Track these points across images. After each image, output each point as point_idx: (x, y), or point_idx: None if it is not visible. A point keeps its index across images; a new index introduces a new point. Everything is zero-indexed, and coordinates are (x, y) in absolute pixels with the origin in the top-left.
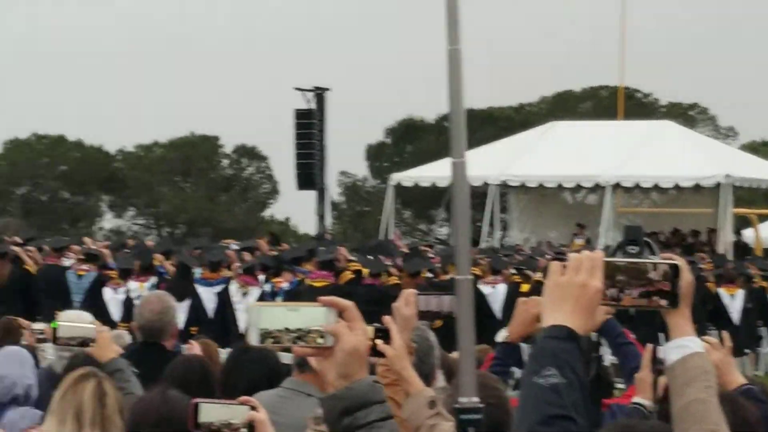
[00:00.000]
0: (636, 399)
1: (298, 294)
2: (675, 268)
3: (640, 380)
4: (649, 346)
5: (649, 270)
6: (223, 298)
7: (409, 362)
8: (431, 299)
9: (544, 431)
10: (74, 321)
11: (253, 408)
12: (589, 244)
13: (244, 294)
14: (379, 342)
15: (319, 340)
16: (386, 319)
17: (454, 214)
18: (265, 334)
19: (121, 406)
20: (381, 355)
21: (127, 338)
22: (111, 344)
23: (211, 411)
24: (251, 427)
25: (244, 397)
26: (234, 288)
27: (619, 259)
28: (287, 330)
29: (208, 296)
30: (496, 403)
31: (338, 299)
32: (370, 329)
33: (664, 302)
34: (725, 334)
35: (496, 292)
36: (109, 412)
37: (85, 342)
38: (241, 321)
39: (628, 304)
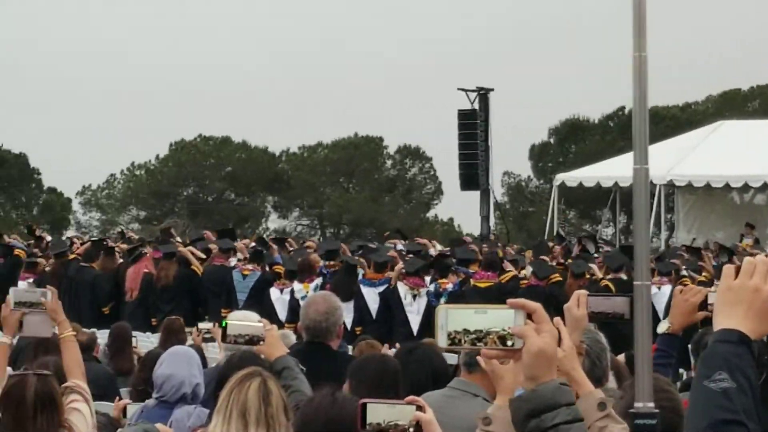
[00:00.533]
0: None
1: (463, 295)
2: None
3: None
4: None
5: None
6: (386, 298)
7: (579, 363)
8: (602, 301)
9: None
10: (242, 320)
11: (420, 408)
12: (758, 245)
13: (414, 296)
14: None
15: (508, 343)
16: (556, 320)
17: (634, 219)
18: (454, 336)
19: (287, 405)
20: None
21: (293, 338)
22: (279, 342)
23: (378, 411)
24: (418, 427)
25: (410, 397)
26: (403, 290)
27: None
28: (475, 332)
29: (372, 297)
30: (669, 407)
31: (526, 301)
32: None
33: None
34: None
35: (660, 294)
36: (274, 410)
37: (253, 340)
38: (413, 323)
39: None
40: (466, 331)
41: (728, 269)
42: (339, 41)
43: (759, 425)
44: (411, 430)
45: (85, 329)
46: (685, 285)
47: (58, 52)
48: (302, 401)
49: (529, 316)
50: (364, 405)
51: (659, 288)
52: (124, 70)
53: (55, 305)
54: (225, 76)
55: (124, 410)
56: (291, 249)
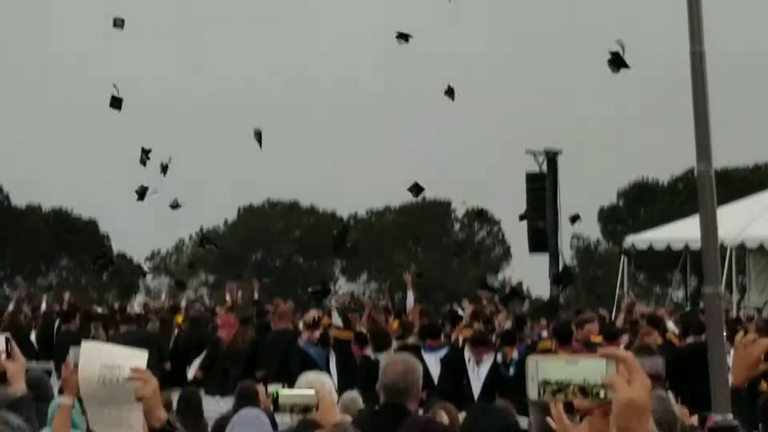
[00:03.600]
0: None
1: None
2: None
3: None
4: None
5: None
6: (448, 363)
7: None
8: (644, 361)
9: None
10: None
11: None
12: None
13: (478, 362)
14: None
15: (601, 395)
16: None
17: (701, 217)
18: (544, 387)
19: None
20: None
21: (360, 402)
22: (334, 408)
23: None
24: None
25: None
26: (467, 355)
27: None
28: (565, 383)
29: (433, 362)
30: None
31: (617, 350)
32: None
33: None
34: None
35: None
36: None
37: (307, 408)
38: (475, 389)
39: None
40: (547, 382)
41: None
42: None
43: None
44: None
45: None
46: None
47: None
48: None
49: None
50: None
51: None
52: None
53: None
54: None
55: None
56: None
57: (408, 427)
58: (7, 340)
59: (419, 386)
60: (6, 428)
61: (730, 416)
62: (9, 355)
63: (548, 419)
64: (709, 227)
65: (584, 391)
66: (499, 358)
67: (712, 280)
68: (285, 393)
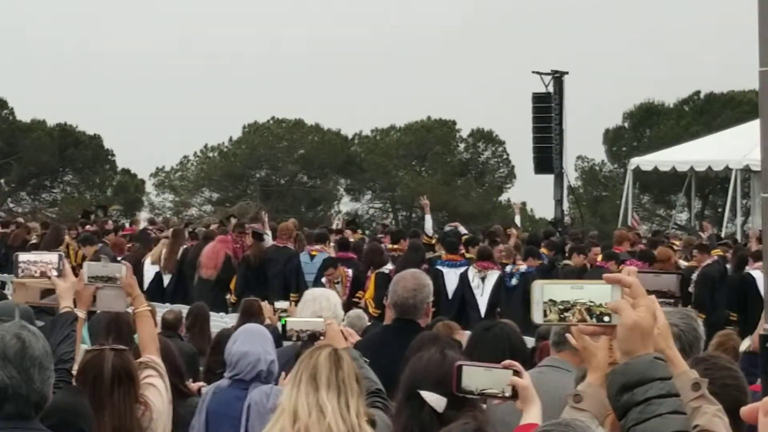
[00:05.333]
0: None
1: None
2: None
3: None
4: None
5: None
6: (464, 280)
7: (674, 342)
8: (652, 278)
9: None
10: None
11: (517, 373)
12: None
13: (483, 278)
14: None
15: (605, 318)
16: (651, 297)
17: (761, 131)
18: (546, 308)
19: (359, 374)
20: None
21: (366, 319)
22: (340, 336)
23: (473, 375)
24: (514, 392)
25: (508, 362)
26: (472, 273)
27: None
28: (570, 306)
29: (452, 278)
30: (733, 384)
31: (622, 276)
32: None
33: None
34: None
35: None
36: (345, 375)
37: (314, 336)
38: (481, 305)
39: None
40: (553, 302)
41: None
42: (412, 23)
43: None
44: (507, 394)
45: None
46: None
47: (129, 38)
48: (372, 388)
49: (625, 290)
50: (460, 367)
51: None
52: (198, 53)
53: (130, 280)
54: (298, 58)
55: (198, 391)
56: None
57: (418, 341)
58: (60, 258)
59: (429, 302)
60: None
61: None
62: (60, 273)
63: (567, 335)
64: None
65: (590, 312)
66: (508, 269)
67: None
68: (293, 320)
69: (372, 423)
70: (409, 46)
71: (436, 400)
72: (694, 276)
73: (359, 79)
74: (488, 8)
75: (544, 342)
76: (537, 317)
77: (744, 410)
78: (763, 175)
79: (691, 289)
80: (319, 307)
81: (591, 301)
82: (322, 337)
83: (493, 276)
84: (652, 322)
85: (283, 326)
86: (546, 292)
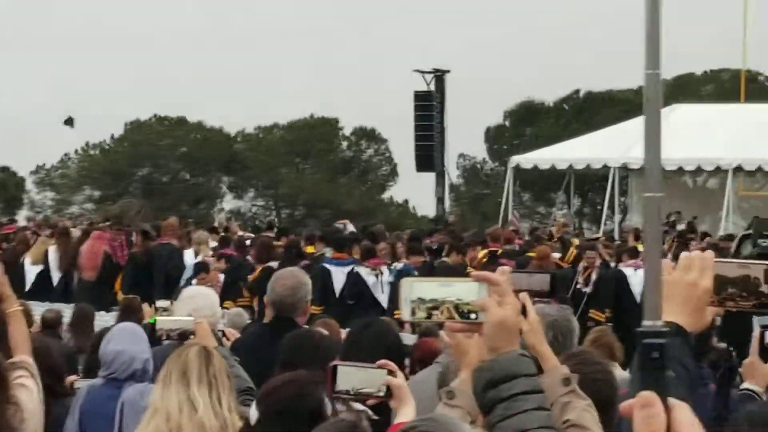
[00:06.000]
0: (746, 385)
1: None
2: None
3: (749, 365)
4: (757, 332)
5: (761, 284)
6: (357, 280)
7: (545, 338)
8: (524, 277)
9: None
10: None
11: (391, 372)
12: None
13: (377, 275)
14: None
15: (471, 316)
16: (522, 295)
17: (646, 129)
18: (415, 306)
19: (229, 371)
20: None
21: (246, 317)
22: (210, 335)
23: (348, 375)
24: (389, 392)
25: (382, 361)
26: (364, 271)
27: (730, 261)
28: (438, 304)
29: (339, 277)
30: (603, 379)
31: (489, 274)
32: None
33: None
34: None
35: (637, 276)
36: (216, 370)
37: (184, 334)
38: (383, 301)
39: (759, 306)
40: (422, 300)
41: (666, 264)
42: (295, 20)
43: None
44: (381, 394)
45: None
46: None
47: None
48: (242, 386)
49: (492, 288)
50: (335, 368)
51: (635, 270)
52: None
53: (2, 279)
54: (181, 56)
55: (71, 386)
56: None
57: (290, 339)
58: None
59: (307, 300)
60: None
61: (660, 322)
62: None
63: (441, 333)
64: (653, 138)
65: (457, 309)
66: (401, 265)
67: (654, 187)
68: (163, 319)
69: (244, 420)
70: (291, 44)
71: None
72: (594, 275)
73: (241, 77)
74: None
75: (423, 339)
76: (405, 314)
77: (623, 405)
78: (646, 176)
79: (588, 289)
80: (196, 306)
81: (459, 299)
82: (192, 336)
83: (386, 271)
84: (517, 320)
85: (153, 325)
86: (414, 289)
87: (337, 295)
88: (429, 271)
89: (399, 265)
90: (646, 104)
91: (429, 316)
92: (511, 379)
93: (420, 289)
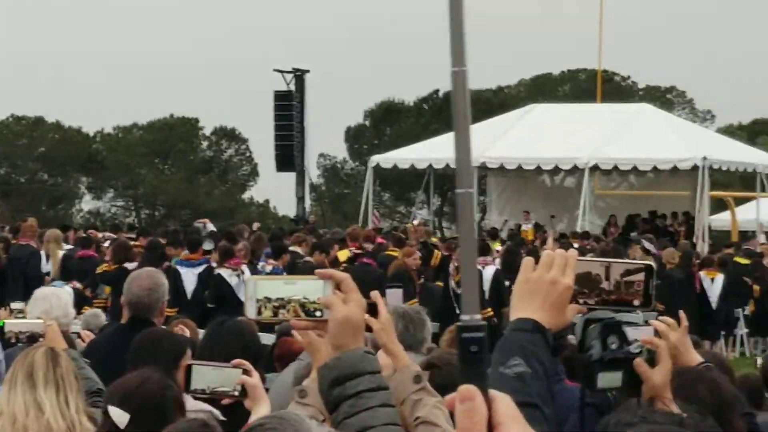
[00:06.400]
0: None
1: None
2: (650, 269)
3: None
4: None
5: (602, 281)
6: (206, 281)
7: (396, 336)
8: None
9: None
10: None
11: (246, 371)
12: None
13: (238, 275)
14: (366, 316)
15: (317, 313)
16: (374, 293)
17: (457, 174)
18: (261, 305)
19: (77, 373)
20: (369, 329)
21: (102, 318)
22: (59, 337)
23: (203, 374)
24: (243, 391)
25: (238, 360)
26: (226, 273)
27: (592, 259)
28: (283, 302)
29: (190, 278)
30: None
31: (334, 271)
32: None
33: (637, 302)
34: (682, 314)
35: (485, 273)
36: (63, 371)
37: (34, 337)
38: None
39: (600, 303)
40: (268, 299)
41: (527, 261)
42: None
43: (553, 410)
44: (236, 393)
45: None
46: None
47: None
48: (92, 387)
49: (337, 286)
50: (190, 367)
51: (483, 268)
52: None
53: None
54: (36, 56)
55: None
56: None
57: (137, 339)
58: None
59: (164, 301)
60: None
61: (478, 316)
62: None
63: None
64: (462, 126)
65: (303, 308)
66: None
67: (465, 183)
68: (11, 322)
69: (93, 421)
70: (152, 44)
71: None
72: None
73: (101, 77)
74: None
75: (284, 338)
76: (251, 313)
77: (446, 398)
78: (458, 172)
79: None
80: (49, 306)
81: (305, 297)
82: (41, 339)
83: (247, 270)
84: (362, 317)
85: (1, 328)
86: (259, 288)
87: (189, 296)
88: (291, 270)
89: (268, 268)
90: (453, 101)
91: (275, 315)
92: (356, 376)
93: (265, 287)
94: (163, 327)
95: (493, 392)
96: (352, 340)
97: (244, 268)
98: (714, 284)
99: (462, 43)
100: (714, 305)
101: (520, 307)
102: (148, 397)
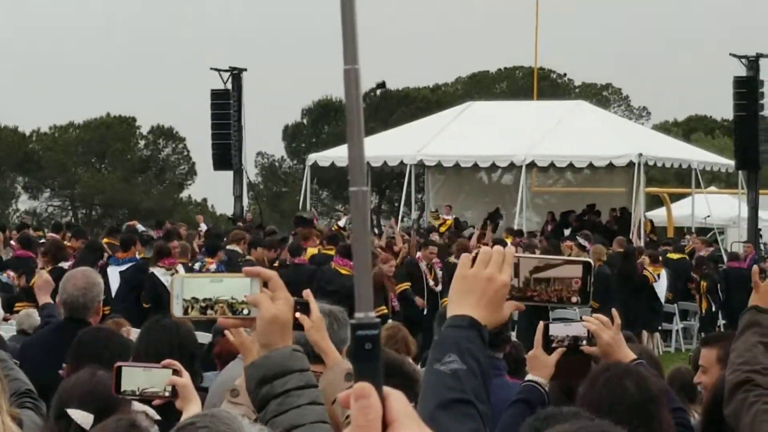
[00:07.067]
0: (530, 376)
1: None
2: (587, 266)
3: (533, 358)
4: (541, 324)
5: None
6: (130, 279)
7: (327, 334)
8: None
9: (443, 414)
10: None
11: (176, 372)
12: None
13: (172, 274)
14: (297, 314)
15: (244, 312)
16: (306, 292)
17: (350, 171)
18: (188, 305)
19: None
20: (300, 327)
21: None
22: None
23: (133, 375)
24: (174, 391)
25: (167, 360)
26: (160, 272)
27: (530, 256)
28: (205, 300)
29: (114, 276)
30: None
31: (262, 269)
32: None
33: (575, 299)
34: (615, 312)
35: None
36: None
37: None
38: None
39: (538, 299)
40: (195, 300)
41: (465, 258)
42: (94, 17)
43: (489, 406)
44: (167, 394)
45: None
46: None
47: None
48: (21, 389)
49: (265, 284)
50: (119, 369)
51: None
52: None
53: None
54: None
55: None
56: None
57: (81, 336)
58: None
59: (99, 300)
60: None
61: (372, 314)
62: None
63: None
64: (354, 128)
65: (231, 308)
66: (197, 266)
67: (358, 181)
68: None
69: (19, 423)
70: (85, 44)
71: (82, 417)
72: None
73: (37, 75)
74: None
75: (223, 337)
76: (177, 311)
77: (341, 395)
78: (351, 169)
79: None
80: None
81: (232, 297)
82: None
83: (181, 269)
84: (290, 315)
85: None
86: (186, 286)
87: (113, 294)
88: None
89: (212, 267)
90: (346, 99)
91: (203, 313)
92: (285, 374)
93: (192, 285)
94: (104, 326)
95: (387, 389)
96: (280, 338)
97: (179, 267)
98: (661, 279)
99: (354, 41)
100: (663, 300)
101: (457, 304)
102: (109, 395)
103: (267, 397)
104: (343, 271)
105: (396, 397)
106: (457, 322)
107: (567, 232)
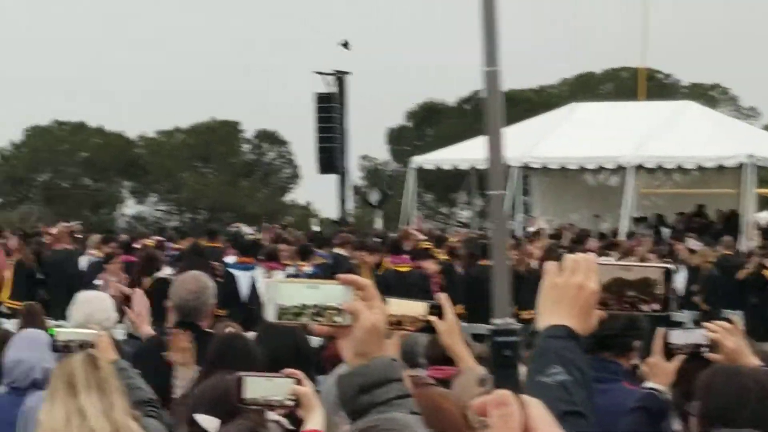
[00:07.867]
0: (649, 384)
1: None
2: (667, 273)
3: (653, 365)
4: (660, 331)
5: (657, 286)
6: (254, 283)
7: (461, 338)
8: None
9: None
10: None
11: (298, 381)
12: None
13: (269, 278)
14: (432, 318)
15: (337, 318)
16: (441, 295)
17: (488, 124)
18: (283, 310)
19: (116, 377)
20: (433, 330)
21: (119, 333)
22: (110, 348)
23: (255, 385)
24: (297, 401)
25: (289, 370)
26: (259, 274)
27: (609, 263)
28: (305, 306)
29: (244, 281)
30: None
31: (356, 277)
32: (424, 306)
33: (654, 306)
34: (736, 318)
35: None
36: (105, 374)
37: (84, 345)
38: None
39: (616, 307)
40: (305, 306)
41: (551, 266)
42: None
43: (594, 417)
44: (289, 403)
45: None
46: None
47: None
48: (144, 398)
49: (359, 292)
50: (241, 379)
51: None
52: None
53: None
54: (81, 61)
55: None
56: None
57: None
58: None
59: (211, 304)
60: None
61: (511, 320)
62: None
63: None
64: (495, 133)
65: (323, 315)
66: (292, 270)
67: (497, 185)
68: (63, 331)
69: (140, 425)
70: (195, 45)
71: (208, 422)
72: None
73: (143, 80)
74: (273, 7)
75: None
76: (271, 315)
77: (475, 402)
78: (490, 174)
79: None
80: (89, 310)
81: (326, 302)
82: (91, 349)
83: (279, 275)
84: (385, 324)
85: (53, 336)
86: (281, 291)
87: (243, 299)
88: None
89: (306, 269)
90: (486, 102)
91: (296, 318)
92: (385, 383)
93: (286, 290)
94: (238, 333)
95: (525, 397)
96: (377, 347)
97: (277, 272)
98: None
99: (495, 43)
100: None
101: (549, 313)
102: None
103: (368, 406)
104: (401, 269)
105: (536, 405)
106: (555, 332)
107: (668, 233)
